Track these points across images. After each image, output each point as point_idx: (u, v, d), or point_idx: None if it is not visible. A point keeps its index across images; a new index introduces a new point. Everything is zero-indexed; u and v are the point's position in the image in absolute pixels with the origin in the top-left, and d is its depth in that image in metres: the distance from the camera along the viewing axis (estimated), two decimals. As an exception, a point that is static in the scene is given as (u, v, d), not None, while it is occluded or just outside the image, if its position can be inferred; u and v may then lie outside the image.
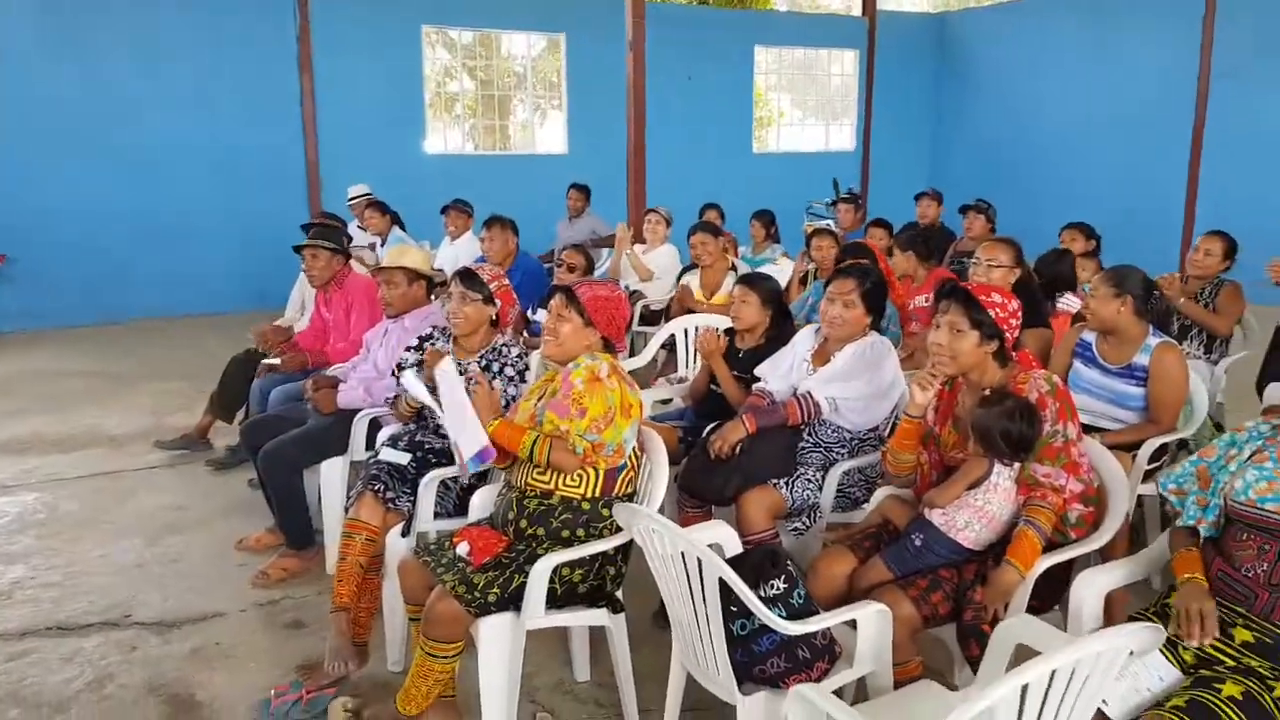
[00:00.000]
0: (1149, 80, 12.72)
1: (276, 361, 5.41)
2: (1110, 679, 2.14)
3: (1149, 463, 4.04)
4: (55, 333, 10.49)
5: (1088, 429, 3.96)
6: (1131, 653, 2.16)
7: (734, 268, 6.95)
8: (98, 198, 10.86)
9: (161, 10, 10.98)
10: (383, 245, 8.26)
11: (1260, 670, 2.40)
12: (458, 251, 7.91)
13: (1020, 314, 3.25)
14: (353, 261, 6.17)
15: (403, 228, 8.53)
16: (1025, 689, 2.02)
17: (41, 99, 10.55)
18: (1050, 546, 3.00)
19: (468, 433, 3.27)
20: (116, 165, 10.94)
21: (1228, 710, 2.26)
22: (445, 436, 3.94)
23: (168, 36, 11.02)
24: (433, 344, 4.20)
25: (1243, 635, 2.47)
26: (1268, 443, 2.66)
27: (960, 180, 14.40)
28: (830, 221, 9.33)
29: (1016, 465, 3.04)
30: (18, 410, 7.41)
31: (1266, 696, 2.32)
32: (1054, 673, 2.02)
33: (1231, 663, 2.45)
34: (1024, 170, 14.39)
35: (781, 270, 7.53)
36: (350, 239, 7.49)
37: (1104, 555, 3.19)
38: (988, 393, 3.13)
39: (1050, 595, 3.08)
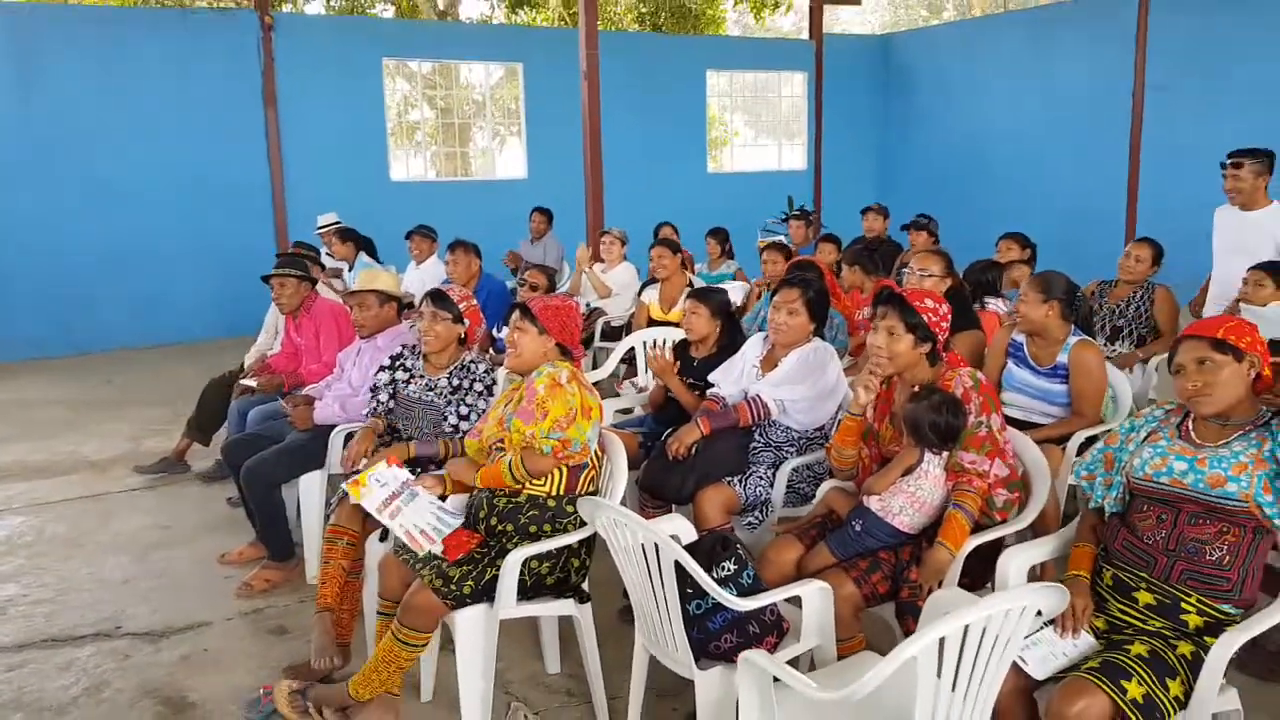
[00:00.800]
0: (1086, 94, 13.11)
1: (253, 383, 5.63)
2: (1021, 635, 2.40)
3: (1079, 454, 4.31)
4: (28, 364, 10.59)
5: (1022, 424, 4.25)
6: (1039, 613, 2.43)
7: (691, 283, 7.20)
8: (67, 229, 10.99)
9: (128, 45, 11.16)
10: (350, 271, 8.47)
11: (1165, 632, 2.69)
12: (423, 275, 8.10)
13: (949, 317, 3.55)
14: (320, 286, 6.39)
15: (373, 253, 8.72)
16: (943, 643, 2.30)
17: (11, 132, 10.69)
18: (979, 528, 3.29)
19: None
20: (86, 197, 11.07)
21: (1136, 667, 2.53)
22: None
23: (135, 71, 11.18)
24: (403, 363, 4.44)
25: (1145, 598, 2.75)
26: (1161, 424, 2.96)
27: (909, 194, 14.76)
28: (783, 237, 9.62)
29: (945, 454, 3.31)
30: (-2, 438, 7.56)
31: (1170, 654, 2.60)
32: (967, 627, 2.29)
33: (1138, 624, 2.73)
34: (970, 182, 14.74)
35: (739, 286, 7.83)
36: (323, 267, 7.71)
37: (1036, 536, 3.43)
38: (917, 389, 3.42)
39: (982, 574, 3.33)
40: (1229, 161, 5.54)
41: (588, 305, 8.07)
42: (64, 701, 3.74)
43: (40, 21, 10.80)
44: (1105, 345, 5.78)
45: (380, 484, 3.50)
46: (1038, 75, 13.90)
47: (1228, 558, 2.67)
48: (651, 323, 6.93)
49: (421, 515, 3.44)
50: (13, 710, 3.69)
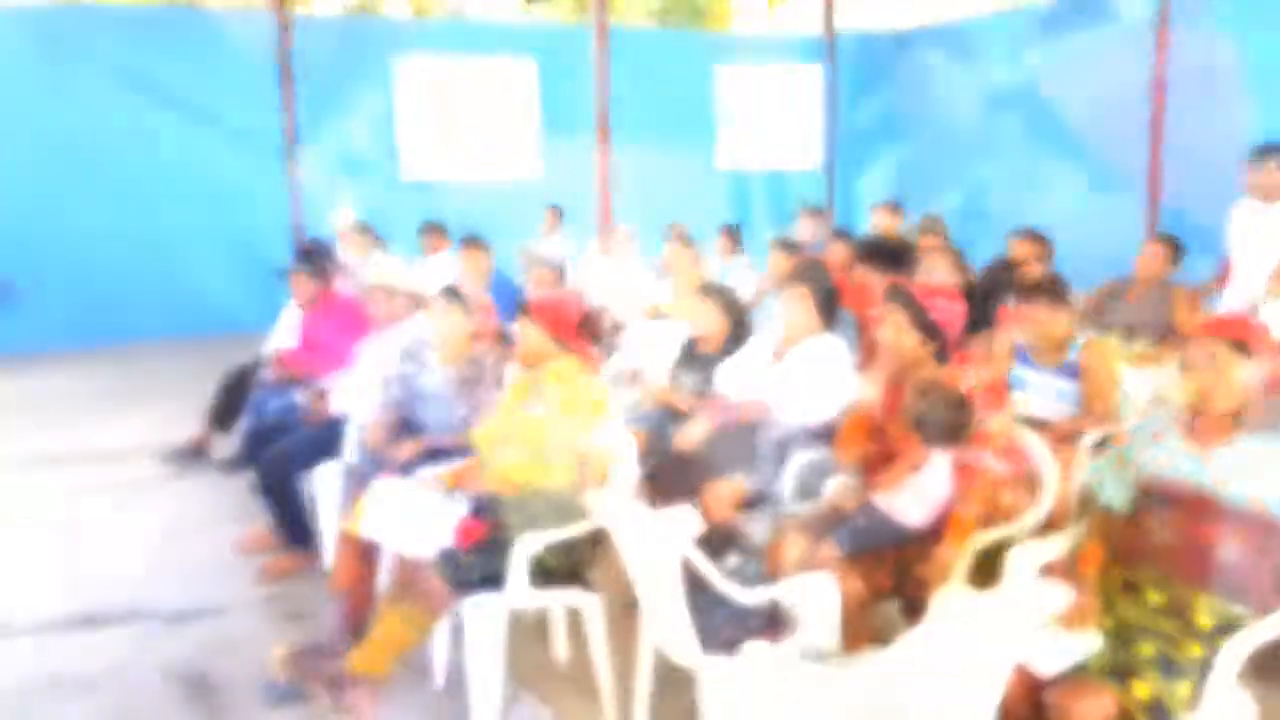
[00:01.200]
0: (1105, 88, 13.00)
1: (270, 376, 5.70)
2: (1027, 633, 2.43)
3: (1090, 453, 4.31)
4: (52, 356, 10.65)
5: (1032, 423, 4.27)
6: (1046, 611, 2.46)
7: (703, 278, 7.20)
8: (90, 225, 11.11)
9: (150, 48, 11.30)
10: (364, 266, 8.51)
11: (1174, 633, 2.71)
12: (435, 271, 8.16)
13: (963, 316, 3.57)
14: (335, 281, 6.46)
15: (386, 249, 8.78)
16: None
17: (39, 132, 10.83)
18: (986, 526, 3.32)
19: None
20: (108, 194, 11.18)
21: (1144, 667, 2.57)
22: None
23: (155, 69, 11.30)
24: (415, 356, 4.50)
25: (1154, 598, 2.78)
26: (1171, 423, 2.97)
27: (925, 191, 14.67)
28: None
29: (952, 451, 3.35)
30: (23, 428, 7.67)
31: (1179, 655, 2.63)
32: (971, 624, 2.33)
33: (1147, 624, 2.75)
34: (988, 179, 14.64)
35: (749, 282, 7.86)
36: (338, 262, 7.78)
37: (1045, 535, 3.45)
38: (924, 386, 3.45)
39: (990, 572, 3.35)
40: (1255, 156, 5.54)
41: (595, 303, 8.10)
42: (90, 681, 3.85)
43: (66, 22, 10.95)
44: (1120, 343, 5.78)
45: (378, 505, 3.60)
46: (1055, 70, 13.78)
47: (1237, 557, 2.69)
48: (656, 319, 6.95)
49: (423, 520, 3.51)
50: (41, 688, 3.81)
